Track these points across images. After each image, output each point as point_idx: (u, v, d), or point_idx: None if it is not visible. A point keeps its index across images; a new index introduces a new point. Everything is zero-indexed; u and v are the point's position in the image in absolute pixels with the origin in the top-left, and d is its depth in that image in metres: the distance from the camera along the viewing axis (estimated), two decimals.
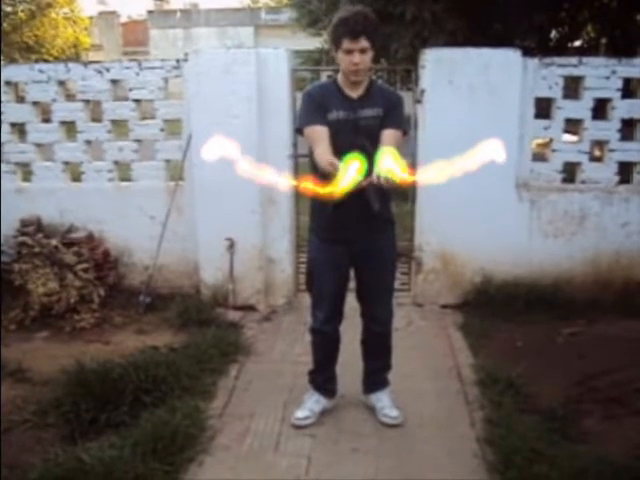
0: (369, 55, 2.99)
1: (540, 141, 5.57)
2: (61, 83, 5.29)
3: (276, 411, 3.59)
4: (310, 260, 3.41)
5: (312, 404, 3.52)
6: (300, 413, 3.48)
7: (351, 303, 3.48)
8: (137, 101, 5.23)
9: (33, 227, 5.15)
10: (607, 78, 4.87)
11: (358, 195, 2.74)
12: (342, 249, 3.24)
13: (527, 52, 4.99)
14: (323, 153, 2.91)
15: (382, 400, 3.53)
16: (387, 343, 3.53)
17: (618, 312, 4.70)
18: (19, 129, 5.42)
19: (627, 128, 4.99)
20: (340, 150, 2.83)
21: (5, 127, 5.34)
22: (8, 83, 5.28)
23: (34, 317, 4.75)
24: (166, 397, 3.50)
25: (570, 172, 5.15)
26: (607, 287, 4.98)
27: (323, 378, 3.57)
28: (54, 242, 4.99)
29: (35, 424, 3.37)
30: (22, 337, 4.59)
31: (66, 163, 5.41)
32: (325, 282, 3.32)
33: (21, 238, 5.03)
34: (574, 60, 4.94)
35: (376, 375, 3.59)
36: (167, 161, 5.32)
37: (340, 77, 3.12)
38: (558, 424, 3.29)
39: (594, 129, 4.99)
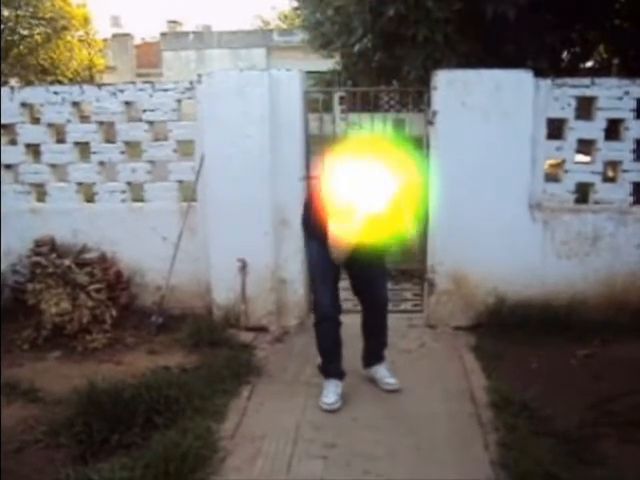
0: None
1: (553, 162, 5.56)
2: (75, 104, 5.34)
3: (288, 432, 3.56)
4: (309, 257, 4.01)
5: (334, 388, 3.84)
6: (328, 399, 3.78)
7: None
8: (150, 122, 5.28)
9: (47, 247, 5.19)
10: (620, 99, 4.87)
11: None
12: None
13: (539, 73, 4.99)
14: None
15: (380, 371, 4.02)
16: (383, 323, 4.05)
17: (633, 333, 4.64)
18: (34, 150, 5.48)
19: None
20: None
21: (20, 148, 5.42)
22: (24, 105, 5.35)
23: (47, 337, 4.76)
24: (178, 418, 3.49)
25: (583, 193, 5.13)
26: (622, 308, 4.93)
27: (335, 367, 3.89)
28: (67, 262, 5.01)
29: (47, 444, 3.38)
30: (35, 357, 4.60)
31: (80, 184, 5.46)
32: (323, 271, 3.82)
33: (35, 258, 5.07)
34: (586, 81, 4.94)
35: (375, 351, 4.08)
36: (180, 182, 5.35)
37: None
38: (574, 447, 3.25)
39: (607, 150, 4.98)
